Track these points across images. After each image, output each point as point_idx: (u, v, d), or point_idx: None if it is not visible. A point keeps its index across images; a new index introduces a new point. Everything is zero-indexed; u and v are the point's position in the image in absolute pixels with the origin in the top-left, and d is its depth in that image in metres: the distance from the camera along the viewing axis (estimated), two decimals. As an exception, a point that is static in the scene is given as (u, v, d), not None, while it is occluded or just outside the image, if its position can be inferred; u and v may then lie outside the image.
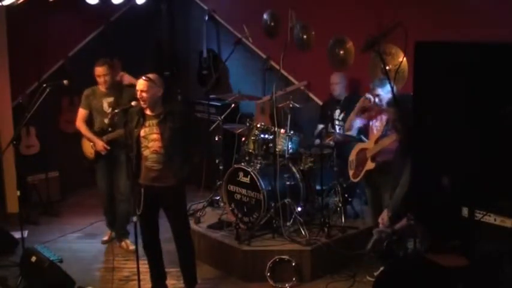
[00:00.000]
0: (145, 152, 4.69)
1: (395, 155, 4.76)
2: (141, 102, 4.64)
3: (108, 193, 6.01)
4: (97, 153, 5.85)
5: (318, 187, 5.81)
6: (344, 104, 6.18)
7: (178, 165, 4.72)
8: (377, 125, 5.36)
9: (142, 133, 4.68)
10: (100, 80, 5.76)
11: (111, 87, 5.82)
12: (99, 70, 5.73)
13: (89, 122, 5.92)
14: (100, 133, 5.82)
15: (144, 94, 4.61)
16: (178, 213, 4.91)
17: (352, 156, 5.42)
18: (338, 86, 6.21)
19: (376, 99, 5.30)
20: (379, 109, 5.37)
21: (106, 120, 5.78)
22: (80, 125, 5.89)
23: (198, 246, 5.67)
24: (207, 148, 6.45)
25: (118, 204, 5.98)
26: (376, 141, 5.17)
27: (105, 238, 6.30)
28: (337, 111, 6.21)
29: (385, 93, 5.04)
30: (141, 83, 4.64)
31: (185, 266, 5.01)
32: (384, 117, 5.32)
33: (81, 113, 5.90)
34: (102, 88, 5.82)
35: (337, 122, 6.19)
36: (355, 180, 5.39)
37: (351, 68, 6.41)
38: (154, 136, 4.68)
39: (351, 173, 5.43)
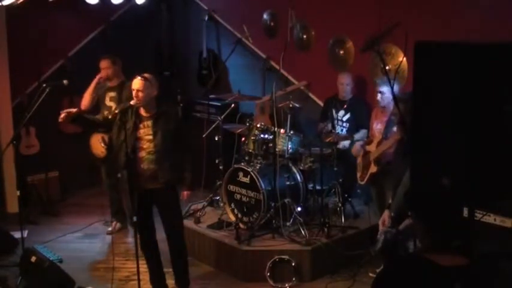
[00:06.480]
0: (141, 154, 4.69)
1: (394, 155, 4.76)
2: (136, 101, 4.64)
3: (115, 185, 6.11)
4: (108, 149, 5.95)
5: (318, 187, 5.81)
6: (350, 105, 6.15)
7: (171, 165, 4.71)
8: (379, 128, 5.37)
9: (138, 134, 4.68)
10: (103, 72, 6.07)
11: (114, 82, 6.11)
12: (103, 63, 6.07)
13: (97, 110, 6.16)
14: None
15: (140, 93, 4.62)
16: (172, 213, 4.90)
17: (360, 159, 5.46)
18: (347, 87, 6.16)
19: (379, 96, 5.32)
20: (381, 110, 5.39)
21: (106, 113, 5.86)
22: None
23: (198, 246, 5.68)
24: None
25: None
26: (378, 144, 5.19)
27: (110, 229, 6.44)
28: (341, 112, 6.20)
29: (389, 91, 5.04)
30: (136, 82, 4.66)
31: (177, 267, 4.98)
32: (385, 119, 5.33)
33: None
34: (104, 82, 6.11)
35: (339, 123, 6.19)
36: (362, 183, 5.46)
37: (351, 68, 6.40)
38: (150, 137, 4.69)
39: (358, 175, 5.49)
